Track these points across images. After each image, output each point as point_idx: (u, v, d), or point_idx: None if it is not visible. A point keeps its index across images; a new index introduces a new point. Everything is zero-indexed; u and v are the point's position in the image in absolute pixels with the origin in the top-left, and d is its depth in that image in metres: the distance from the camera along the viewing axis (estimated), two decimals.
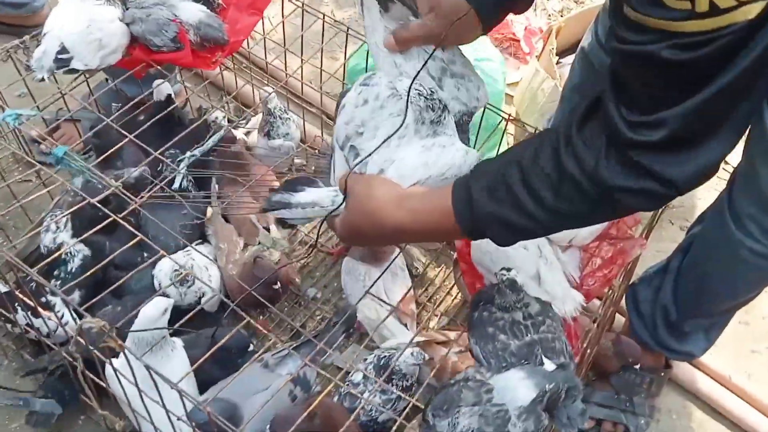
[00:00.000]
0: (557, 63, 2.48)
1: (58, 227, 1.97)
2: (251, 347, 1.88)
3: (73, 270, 1.97)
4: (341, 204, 1.27)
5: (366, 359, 1.93)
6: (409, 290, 1.96)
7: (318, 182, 1.41)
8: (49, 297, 1.84)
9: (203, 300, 2.00)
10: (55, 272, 1.97)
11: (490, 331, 1.49)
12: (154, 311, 1.65)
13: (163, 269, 1.99)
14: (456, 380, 1.41)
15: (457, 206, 1.14)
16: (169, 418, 1.45)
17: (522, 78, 2.70)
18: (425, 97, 1.27)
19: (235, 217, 2.17)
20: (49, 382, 1.90)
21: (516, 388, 1.35)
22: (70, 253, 1.97)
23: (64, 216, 1.94)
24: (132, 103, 1.97)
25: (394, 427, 1.66)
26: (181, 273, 1.88)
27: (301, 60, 2.23)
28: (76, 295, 1.93)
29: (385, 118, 1.28)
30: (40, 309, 1.65)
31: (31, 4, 2.78)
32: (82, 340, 1.41)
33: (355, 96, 1.31)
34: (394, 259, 2.03)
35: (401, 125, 1.24)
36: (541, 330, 1.48)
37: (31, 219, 2.15)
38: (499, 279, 1.54)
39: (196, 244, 2.12)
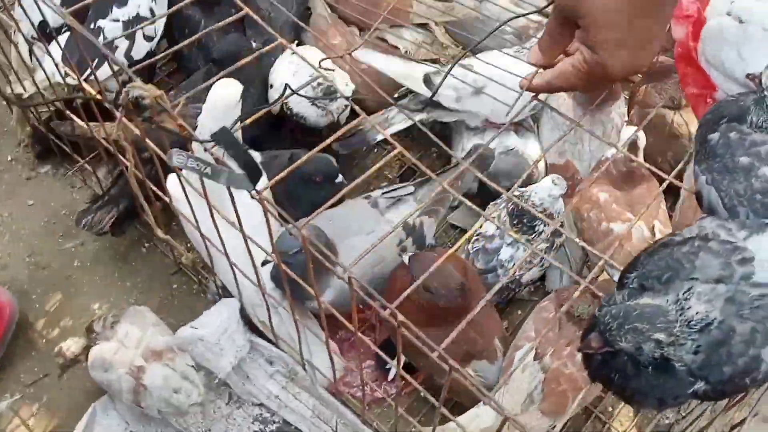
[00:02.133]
0: None
1: None
2: (340, 178, 1.40)
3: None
4: None
5: (495, 202, 1.43)
6: None
7: None
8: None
9: (343, 115, 1.55)
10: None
11: (742, 162, 0.91)
12: (227, 92, 1.19)
13: (285, 70, 1.52)
14: (684, 236, 0.86)
15: None
16: (247, 246, 1.02)
17: None
18: None
19: None
20: (105, 194, 1.52)
21: None
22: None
23: None
24: None
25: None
26: (322, 82, 1.38)
27: None
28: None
29: None
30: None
31: None
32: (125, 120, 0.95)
33: None
34: None
35: None
36: None
37: None
38: (759, 81, 0.93)
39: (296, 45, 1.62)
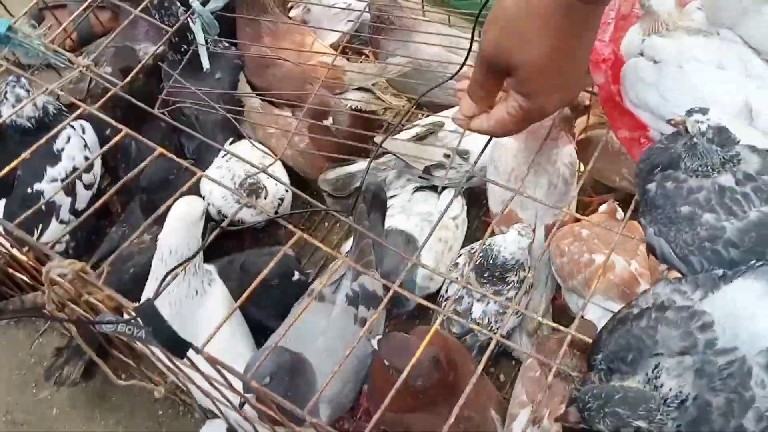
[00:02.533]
0: None
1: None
2: (296, 275, 1.38)
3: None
4: None
5: (457, 259, 1.42)
6: None
7: None
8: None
9: (281, 207, 1.56)
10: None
11: (683, 212, 0.90)
12: (189, 208, 1.17)
13: (214, 191, 1.51)
14: (641, 306, 0.83)
15: None
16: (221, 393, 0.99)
17: None
18: None
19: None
20: (70, 342, 1.49)
21: (754, 314, 0.76)
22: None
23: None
24: None
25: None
26: (248, 182, 1.37)
27: None
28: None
29: None
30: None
31: None
32: (53, 294, 0.93)
33: None
34: None
35: None
36: None
37: None
38: (684, 128, 0.91)
39: (230, 143, 1.60)
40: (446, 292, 1.50)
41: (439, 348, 1.25)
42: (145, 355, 1.29)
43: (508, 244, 1.42)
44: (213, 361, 0.84)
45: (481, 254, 1.42)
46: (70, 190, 1.46)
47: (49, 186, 1.45)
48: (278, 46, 1.68)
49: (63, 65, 1.27)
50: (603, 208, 1.57)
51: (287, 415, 0.98)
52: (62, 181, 1.44)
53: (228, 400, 1.09)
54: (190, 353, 0.84)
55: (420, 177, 1.64)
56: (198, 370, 0.97)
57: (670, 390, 0.75)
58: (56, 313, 0.96)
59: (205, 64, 1.45)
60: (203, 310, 1.25)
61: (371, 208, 1.45)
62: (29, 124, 1.45)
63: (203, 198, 1.53)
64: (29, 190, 1.46)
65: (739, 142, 0.89)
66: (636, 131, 1.09)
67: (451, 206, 1.50)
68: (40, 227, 1.40)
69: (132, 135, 1.05)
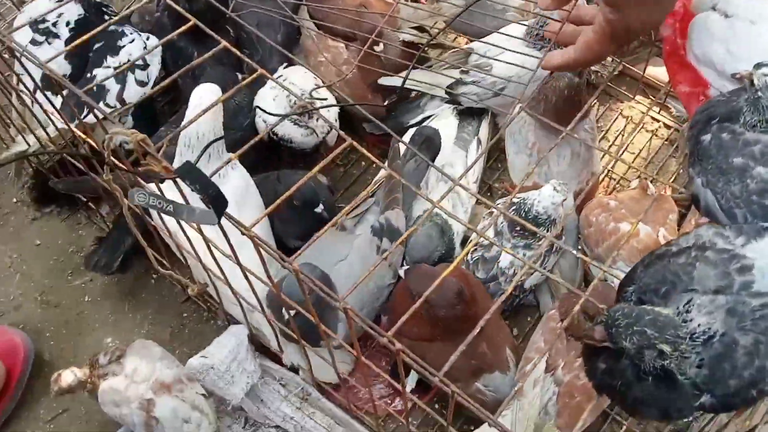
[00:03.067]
0: None
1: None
2: (320, 207, 1.41)
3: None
4: None
5: (491, 211, 1.43)
6: None
7: None
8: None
9: (329, 136, 1.58)
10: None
11: (736, 163, 0.90)
12: (208, 96, 1.24)
13: (267, 95, 1.54)
14: (680, 245, 0.84)
15: None
16: (247, 280, 1.04)
17: None
18: None
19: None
20: (111, 233, 1.54)
21: None
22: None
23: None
24: None
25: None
26: (300, 101, 1.39)
27: None
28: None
29: None
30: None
31: None
32: (113, 159, 0.96)
33: None
34: None
35: None
36: None
37: None
38: (750, 81, 0.91)
39: (284, 67, 1.62)
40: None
41: (462, 281, 1.28)
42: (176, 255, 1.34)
43: (542, 198, 1.39)
44: (255, 241, 0.87)
45: (514, 207, 1.42)
46: (121, 79, 1.50)
47: (103, 72, 1.52)
48: None
49: None
50: (634, 183, 1.56)
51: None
52: (115, 69, 1.50)
53: (256, 295, 1.13)
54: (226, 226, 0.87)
55: (446, 101, 1.65)
56: (234, 258, 1.00)
57: (699, 325, 0.77)
58: (113, 185, 0.99)
59: None
60: (224, 189, 1.29)
61: (420, 150, 1.47)
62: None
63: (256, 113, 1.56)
64: (89, 74, 1.53)
65: None
66: (697, 87, 1.08)
67: (473, 169, 1.56)
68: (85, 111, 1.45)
69: (199, 25, 1.06)
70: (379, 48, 1.58)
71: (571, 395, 1.20)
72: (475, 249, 1.43)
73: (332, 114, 1.57)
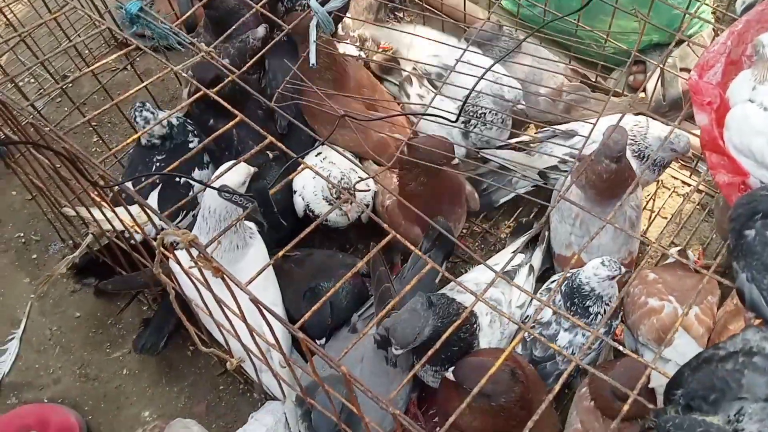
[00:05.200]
0: None
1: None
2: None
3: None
4: None
5: (549, 287, 1.41)
6: None
7: None
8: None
9: (363, 215, 1.62)
10: None
11: None
12: (236, 178, 1.29)
13: (307, 186, 1.58)
14: (728, 350, 0.84)
15: None
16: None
17: None
18: None
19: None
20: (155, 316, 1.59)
21: None
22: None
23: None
24: None
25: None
26: (337, 188, 1.41)
27: None
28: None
29: None
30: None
31: None
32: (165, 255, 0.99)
33: None
34: None
35: None
36: None
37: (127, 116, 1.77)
38: None
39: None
40: (533, 313, 1.47)
41: (515, 365, 1.25)
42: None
43: (586, 270, 1.37)
44: (255, 301, 0.89)
45: (566, 283, 1.39)
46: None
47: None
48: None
49: (183, 47, 1.34)
50: (674, 252, 1.54)
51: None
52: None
53: (261, 353, 1.14)
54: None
55: (534, 180, 1.67)
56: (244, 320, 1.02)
57: None
58: (162, 277, 1.02)
59: (313, 59, 1.50)
60: (243, 263, 1.33)
61: (435, 246, 1.48)
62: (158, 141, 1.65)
63: (294, 191, 1.60)
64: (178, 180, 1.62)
65: None
66: (736, 176, 1.09)
67: (519, 296, 1.49)
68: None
69: (246, 121, 1.10)
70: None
71: None
72: (533, 327, 1.40)
73: (365, 199, 1.60)
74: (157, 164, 1.62)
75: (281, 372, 1.26)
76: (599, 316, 1.38)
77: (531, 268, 1.55)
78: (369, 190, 1.60)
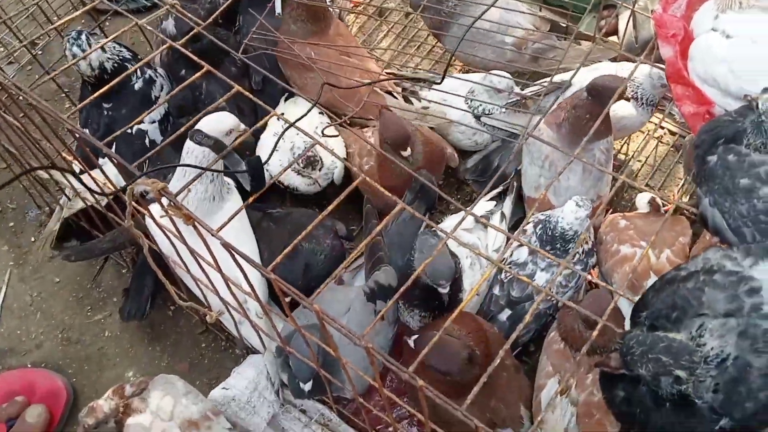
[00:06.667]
0: None
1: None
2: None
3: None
4: None
5: (525, 226, 1.42)
6: None
7: None
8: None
9: (335, 176, 1.64)
10: None
11: (742, 184, 0.91)
12: (214, 125, 1.24)
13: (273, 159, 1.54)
14: (689, 269, 0.85)
15: None
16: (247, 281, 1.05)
17: None
18: None
19: None
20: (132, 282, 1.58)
21: None
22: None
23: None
24: None
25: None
26: (307, 155, 1.44)
27: None
28: None
29: None
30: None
31: None
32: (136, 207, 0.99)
33: None
34: None
35: None
36: None
37: None
38: (756, 104, 0.92)
39: (284, 100, 1.68)
40: (510, 256, 1.47)
41: (477, 341, 1.24)
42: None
43: (565, 214, 1.39)
44: (227, 245, 0.89)
45: (541, 226, 1.41)
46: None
47: (151, 126, 1.62)
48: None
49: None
50: (644, 198, 1.56)
51: None
52: (159, 122, 1.61)
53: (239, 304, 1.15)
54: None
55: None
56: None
57: (712, 349, 0.78)
58: (135, 231, 1.02)
59: (278, 8, 1.49)
60: (218, 216, 1.32)
61: (417, 199, 1.49)
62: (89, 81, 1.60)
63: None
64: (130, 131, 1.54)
65: None
66: (701, 106, 1.10)
67: (495, 239, 1.53)
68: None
69: (213, 72, 1.09)
70: (406, 153, 1.55)
71: (590, 414, 1.20)
72: (510, 267, 1.41)
73: (335, 161, 1.60)
74: (106, 111, 1.61)
75: (259, 323, 1.27)
76: (577, 255, 1.41)
77: (503, 214, 1.57)
78: (337, 135, 1.59)
